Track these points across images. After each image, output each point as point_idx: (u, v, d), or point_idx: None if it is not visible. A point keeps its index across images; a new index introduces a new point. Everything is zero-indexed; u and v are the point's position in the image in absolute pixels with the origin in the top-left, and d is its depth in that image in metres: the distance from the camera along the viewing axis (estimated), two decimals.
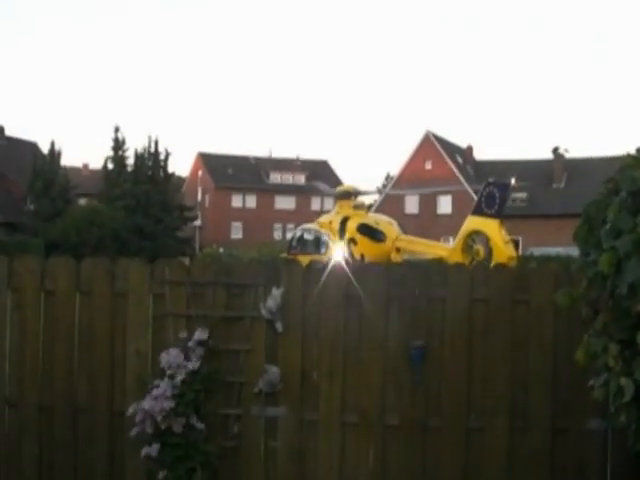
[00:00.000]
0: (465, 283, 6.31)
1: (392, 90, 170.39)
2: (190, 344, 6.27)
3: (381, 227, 21.72)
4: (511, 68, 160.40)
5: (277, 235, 79.54)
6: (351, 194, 23.29)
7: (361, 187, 24.24)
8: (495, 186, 20.88)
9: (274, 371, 6.31)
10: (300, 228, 24.26)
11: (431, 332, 6.29)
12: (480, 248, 19.28)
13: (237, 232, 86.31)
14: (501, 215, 20.36)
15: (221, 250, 57.77)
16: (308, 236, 22.37)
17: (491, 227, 19.85)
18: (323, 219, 23.24)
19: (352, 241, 20.65)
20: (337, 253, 19.68)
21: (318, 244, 21.36)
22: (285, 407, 6.36)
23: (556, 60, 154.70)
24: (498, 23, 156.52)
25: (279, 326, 6.32)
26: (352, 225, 21.57)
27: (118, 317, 6.50)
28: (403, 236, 21.87)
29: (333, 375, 6.34)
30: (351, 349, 6.35)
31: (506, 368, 6.22)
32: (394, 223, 22.47)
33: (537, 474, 6.17)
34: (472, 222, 20.55)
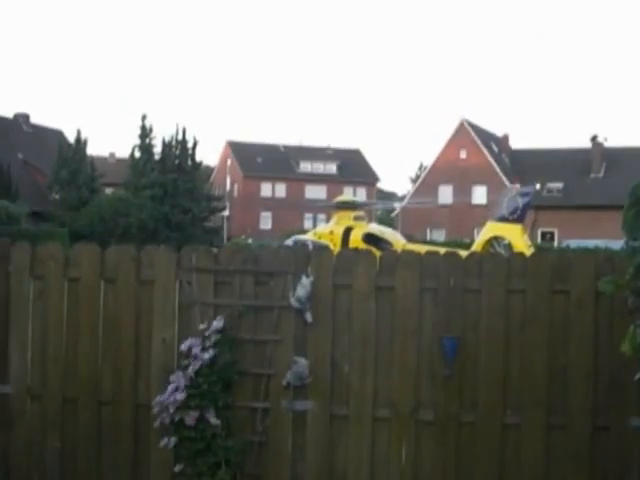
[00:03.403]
0: (501, 273, 6.19)
1: (426, 78, 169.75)
2: (207, 333, 6.23)
3: (387, 236, 21.81)
4: (548, 54, 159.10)
5: (308, 225, 79.29)
6: (351, 205, 23.43)
7: (358, 198, 24.75)
8: (517, 192, 21.09)
9: (303, 363, 6.23)
10: (292, 239, 24.34)
11: (466, 324, 6.19)
12: (501, 253, 19.19)
13: (266, 222, 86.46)
14: (523, 221, 20.51)
15: (250, 241, 57.92)
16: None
17: (513, 233, 20.01)
18: (321, 229, 23.41)
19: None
20: None
21: None
22: (314, 401, 6.28)
23: (595, 46, 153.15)
24: (533, 9, 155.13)
25: (309, 316, 6.25)
26: (357, 235, 21.66)
27: (144, 306, 6.46)
28: (411, 244, 21.89)
29: (364, 368, 6.25)
30: (383, 342, 6.26)
31: (544, 362, 6.10)
32: (398, 234, 22.59)
33: (576, 473, 6.05)
34: (492, 228, 20.73)
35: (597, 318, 6.05)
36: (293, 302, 6.25)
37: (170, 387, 6.10)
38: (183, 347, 6.22)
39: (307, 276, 6.26)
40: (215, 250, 6.67)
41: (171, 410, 6.07)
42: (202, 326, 6.28)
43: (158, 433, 6.23)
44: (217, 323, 6.24)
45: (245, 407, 6.30)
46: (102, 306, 6.53)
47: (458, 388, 6.17)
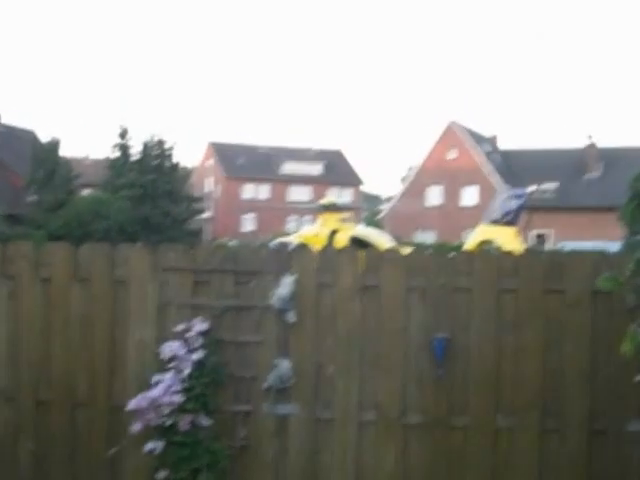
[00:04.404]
0: (492, 272, 6.15)
1: (414, 78, 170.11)
2: (190, 334, 6.16)
3: (374, 239, 21.95)
4: (540, 54, 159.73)
5: (292, 227, 79.08)
6: (336, 207, 23.64)
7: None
8: (510, 194, 21.25)
9: (285, 365, 6.18)
10: (276, 242, 24.44)
11: (456, 325, 6.14)
12: None
13: (249, 224, 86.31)
14: (516, 224, 20.69)
15: (231, 243, 57.85)
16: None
17: (506, 236, 20.09)
18: (305, 232, 23.55)
19: None
20: None
21: None
22: (297, 404, 6.23)
23: (587, 45, 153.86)
24: (527, 8, 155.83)
25: (291, 316, 6.20)
26: (343, 238, 21.78)
27: (118, 306, 6.40)
28: (398, 248, 21.95)
29: (349, 370, 6.20)
30: (369, 342, 6.22)
31: (538, 364, 6.06)
32: (386, 236, 22.70)
33: (572, 479, 6.01)
34: (484, 231, 20.78)
35: (594, 318, 6.01)
36: (275, 302, 6.20)
37: (160, 387, 5.98)
38: (166, 349, 6.14)
39: (289, 275, 6.21)
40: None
41: (165, 412, 5.97)
42: (180, 327, 6.21)
43: (135, 435, 6.14)
44: (201, 324, 6.18)
45: (226, 411, 6.24)
46: (76, 306, 6.47)
47: (448, 391, 6.12)
